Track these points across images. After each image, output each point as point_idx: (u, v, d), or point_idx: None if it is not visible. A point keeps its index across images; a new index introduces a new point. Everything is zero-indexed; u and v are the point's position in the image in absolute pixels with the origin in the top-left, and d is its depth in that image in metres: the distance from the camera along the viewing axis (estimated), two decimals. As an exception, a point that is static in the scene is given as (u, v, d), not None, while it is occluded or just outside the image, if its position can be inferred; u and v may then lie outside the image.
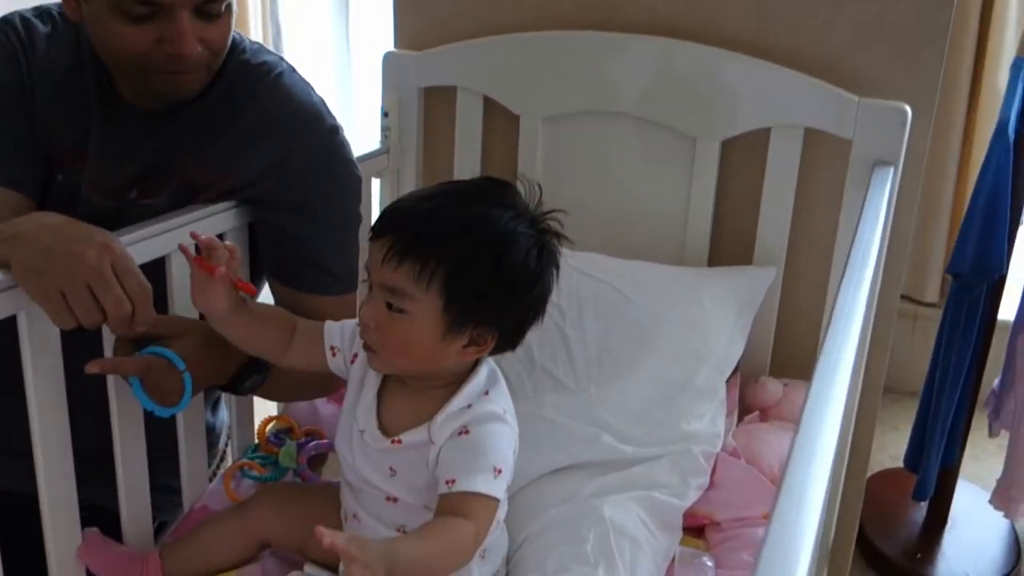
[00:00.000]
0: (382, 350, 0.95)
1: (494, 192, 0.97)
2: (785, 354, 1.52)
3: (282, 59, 1.26)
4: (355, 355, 1.07)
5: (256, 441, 1.40)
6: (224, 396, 1.44)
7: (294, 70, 1.26)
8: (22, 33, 1.18)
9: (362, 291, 1.09)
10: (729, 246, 1.52)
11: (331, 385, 1.26)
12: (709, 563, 1.13)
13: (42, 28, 1.20)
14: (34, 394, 0.97)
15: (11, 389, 0.99)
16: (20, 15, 1.20)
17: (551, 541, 1.10)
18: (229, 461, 1.44)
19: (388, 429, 0.99)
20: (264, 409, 1.49)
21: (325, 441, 1.36)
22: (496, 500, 0.93)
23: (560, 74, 1.52)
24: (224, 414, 1.48)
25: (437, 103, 1.65)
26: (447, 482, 0.92)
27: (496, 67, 1.56)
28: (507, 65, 1.55)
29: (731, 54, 1.42)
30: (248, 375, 1.14)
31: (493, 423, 0.96)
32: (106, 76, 1.18)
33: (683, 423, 1.26)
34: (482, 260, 0.92)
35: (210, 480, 1.32)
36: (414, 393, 0.99)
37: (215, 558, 1.10)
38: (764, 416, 1.44)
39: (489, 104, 1.60)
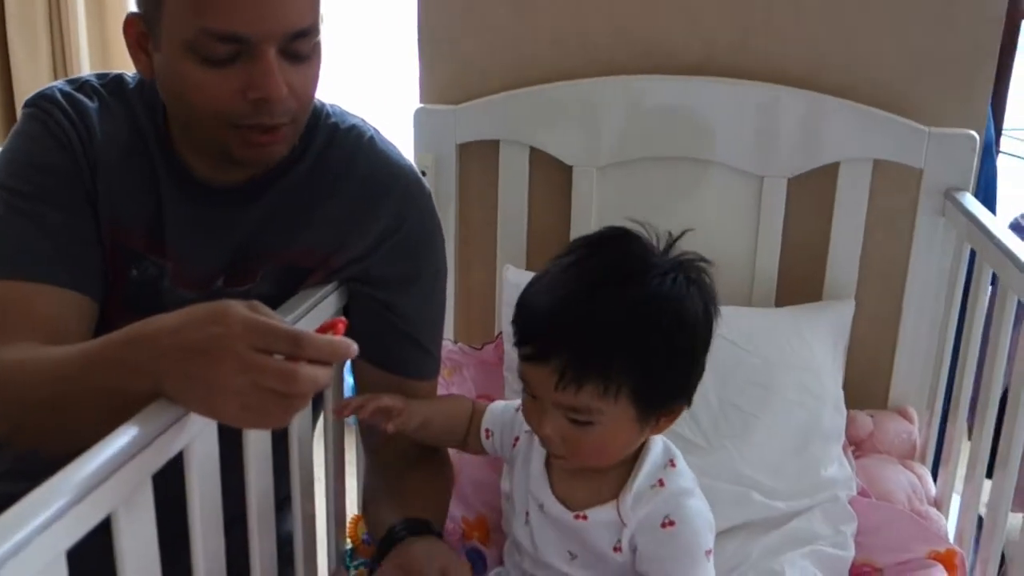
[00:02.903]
0: (574, 457, 0.90)
1: (624, 252, 0.90)
2: (856, 386, 1.51)
3: (364, 120, 1.15)
4: (517, 437, 1.00)
5: (350, 544, 1.25)
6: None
7: (378, 131, 1.15)
8: (69, 111, 1.00)
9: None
10: (796, 283, 1.51)
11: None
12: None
13: (89, 103, 1.03)
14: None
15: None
16: (59, 90, 1.02)
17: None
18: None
19: (565, 503, 0.93)
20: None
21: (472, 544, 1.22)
22: None
23: (614, 121, 1.47)
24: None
25: (474, 159, 1.56)
26: None
27: (543, 117, 1.49)
28: (555, 114, 1.49)
29: (796, 91, 1.42)
30: None
31: (691, 501, 0.92)
32: (174, 152, 1.02)
33: (821, 469, 1.23)
34: (663, 351, 0.86)
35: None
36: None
37: None
38: (859, 450, 1.42)
39: (535, 156, 1.53)
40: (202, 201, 1.03)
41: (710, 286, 0.91)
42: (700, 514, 0.91)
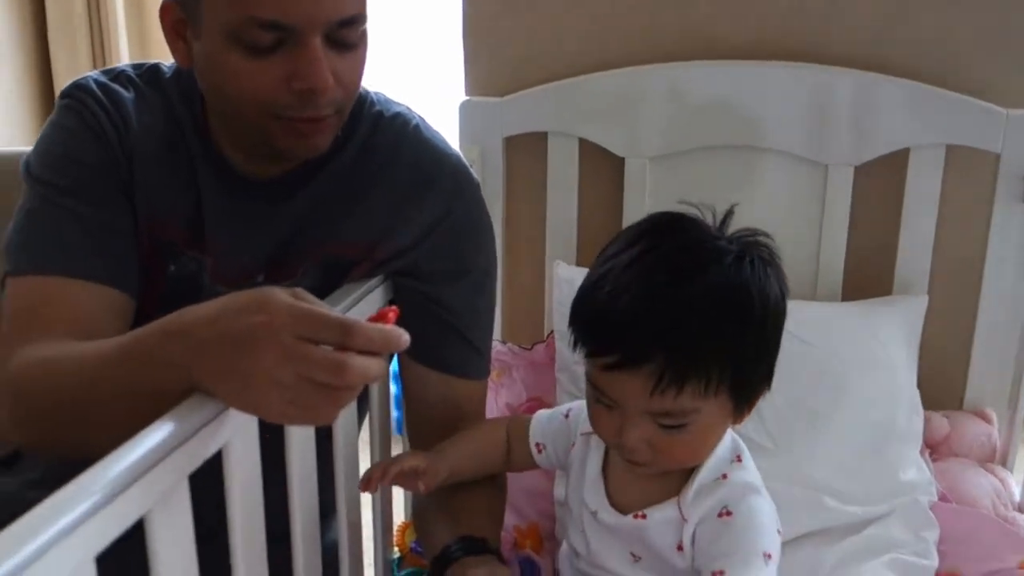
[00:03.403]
0: (664, 463, 0.84)
1: (688, 239, 0.83)
2: (928, 386, 1.42)
3: (409, 107, 1.10)
4: (573, 443, 0.96)
5: (398, 553, 1.19)
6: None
7: (423, 119, 1.10)
8: (104, 101, 0.96)
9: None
10: (864, 277, 1.43)
11: None
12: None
13: (125, 93, 0.99)
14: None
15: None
16: (95, 80, 0.98)
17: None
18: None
19: (622, 506, 0.87)
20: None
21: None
22: None
23: (664, 110, 1.41)
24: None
25: (521, 152, 1.51)
26: (714, 574, 0.80)
27: (592, 108, 1.43)
28: (604, 105, 1.43)
29: (861, 73, 1.34)
30: None
31: (754, 498, 0.85)
32: (212, 143, 0.98)
33: (899, 472, 1.15)
34: (756, 338, 0.81)
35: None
36: None
37: None
38: (936, 454, 1.33)
39: (584, 148, 1.47)
40: (242, 194, 0.98)
41: (779, 264, 0.86)
42: (762, 511, 0.84)
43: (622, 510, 0.87)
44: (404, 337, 0.67)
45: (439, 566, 0.91)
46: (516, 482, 1.19)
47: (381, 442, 1.12)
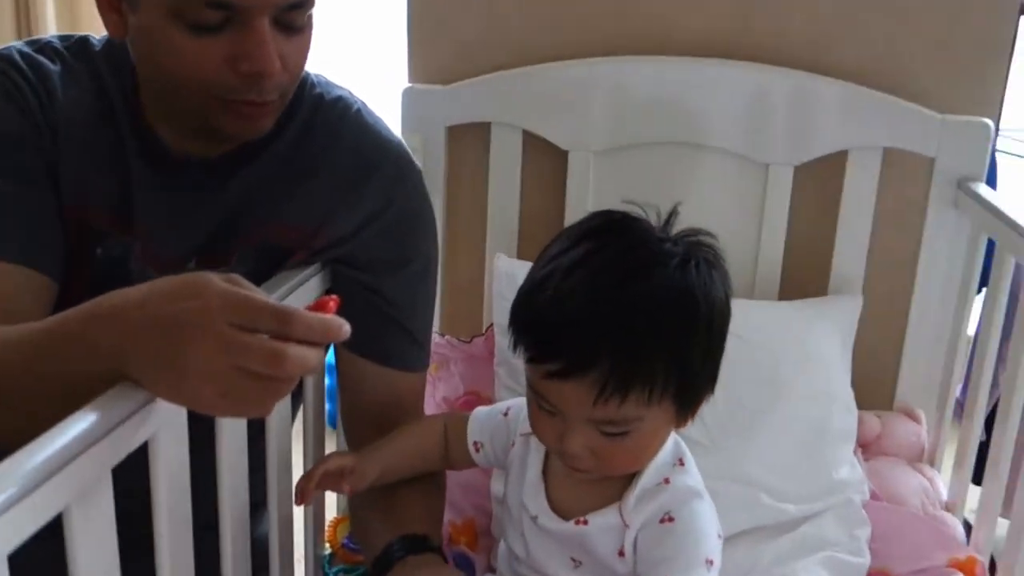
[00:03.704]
0: (605, 470, 0.82)
1: (633, 240, 0.81)
2: (860, 385, 1.44)
3: (351, 91, 1.06)
4: (512, 443, 0.93)
5: (329, 550, 1.16)
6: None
7: (365, 104, 1.06)
8: (28, 73, 0.90)
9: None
10: (800, 277, 1.44)
11: None
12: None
13: (51, 65, 0.94)
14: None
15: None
16: (17, 50, 0.92)
17: (751, 625, 0.96)
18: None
19: (563, 511, 0.85)
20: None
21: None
22: None
23: (610, 104, 1.40)
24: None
25: (464, 141, 1.48)
26: None
27: (538, 99, 1.42)
28: (551, 97, 1.41)
29: (800, 73, 1.35)
30: None
31: (696, 502, 0.84)
32: (144, 120, 0.93)
33: (833, 471, 1.16)
34: (703, 343, 0.80)
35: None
36: None
37: None
38: (867, 452, 1.35)
39: (528, 140, 1.45)
40: (174, 175, 0.94)
41: (724, 266, 0.85)
42: (704, 517, 0.83)
43: (563, 515, 0.85)
44: (345, 327, 0.64)
45: (380, 567, 0.88)
46: (452, 477, 1.16)
47: (315, 435, 1.08)
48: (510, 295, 1.32)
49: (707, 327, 0.78)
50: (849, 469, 1.18)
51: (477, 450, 0.95)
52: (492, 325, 1.39)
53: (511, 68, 1.43)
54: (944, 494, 1.29)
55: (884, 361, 1.45)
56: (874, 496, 1.20)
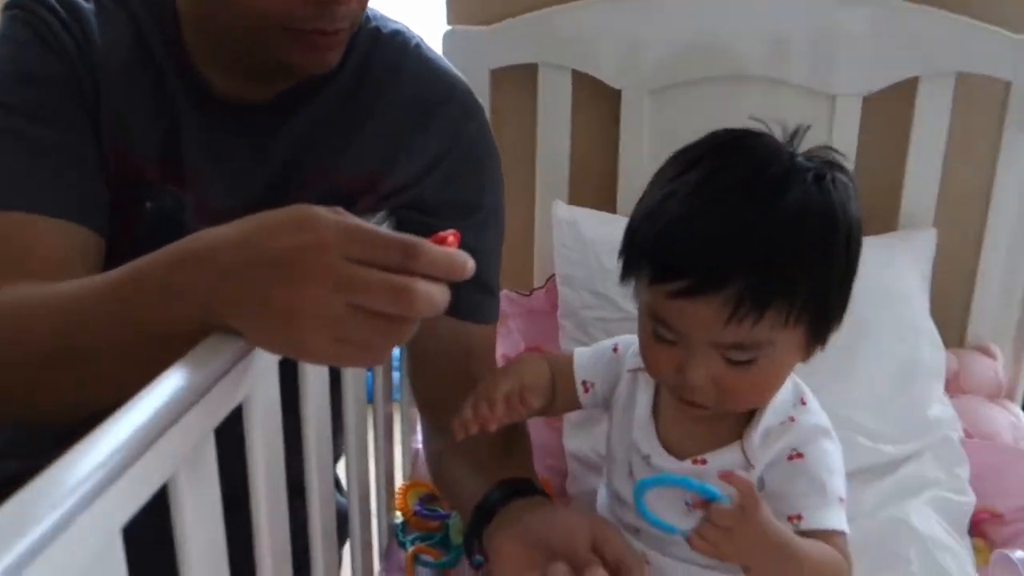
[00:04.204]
0: (727, 403, 0.76)
1: (763, 155, 0.75)
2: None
3: (407, 25, 0.99)
4: (618, 382, 0.88)
5: (401, 518, 1.10)
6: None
7: (422, 38, 0.99)
8: (60, 11, 0.82)
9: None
10: (869, 211, 1.36)
11: None
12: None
13: (84, 3, 0.86)
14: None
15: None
16: None
17: (863, 569, 0.91)
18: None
19: (678, 452, 0.80)
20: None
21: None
22: (846, 537, 0.77)
23: (666, 39, 1.32)
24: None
25: (509, 85, 1.41)
26: (789, 519, 0.75)
27: (587, 38, 1.34)
28: (599, 33, 1.34)
29: (872, 1, 1.27)
30: None
31: (824, 440, 0.79)
32: (188, 62, 0.86)
33: (927, 409, 1.11)
34: (843, 263, 0.75)
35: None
36: None
37: None
38: (948, 390, 1.29)
39: (577, 80, 1.38)
40: (225, 120, 0.86)
41: (855, 185, 0.79)
42: (833, 455, 0.79)
43: (678, 455, 0.79)
44: (470, 263, 0.57)
45: (482, 514, 0.82)
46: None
47: (383, 404, 1.03)
48: (572, 244, 1.29)
49: (846, 245, 0.73)
50: (941, 407, 1.13)
51: (586, 390, 0.88)
52: (553, 276, 1.33)
53: (555, 5, 1.35)
54: (1032, 430, 1.24)
55: (955, 298, 1.39)
56: (967, 434, 1.15)
